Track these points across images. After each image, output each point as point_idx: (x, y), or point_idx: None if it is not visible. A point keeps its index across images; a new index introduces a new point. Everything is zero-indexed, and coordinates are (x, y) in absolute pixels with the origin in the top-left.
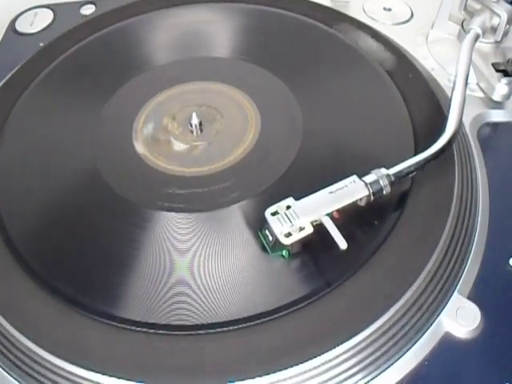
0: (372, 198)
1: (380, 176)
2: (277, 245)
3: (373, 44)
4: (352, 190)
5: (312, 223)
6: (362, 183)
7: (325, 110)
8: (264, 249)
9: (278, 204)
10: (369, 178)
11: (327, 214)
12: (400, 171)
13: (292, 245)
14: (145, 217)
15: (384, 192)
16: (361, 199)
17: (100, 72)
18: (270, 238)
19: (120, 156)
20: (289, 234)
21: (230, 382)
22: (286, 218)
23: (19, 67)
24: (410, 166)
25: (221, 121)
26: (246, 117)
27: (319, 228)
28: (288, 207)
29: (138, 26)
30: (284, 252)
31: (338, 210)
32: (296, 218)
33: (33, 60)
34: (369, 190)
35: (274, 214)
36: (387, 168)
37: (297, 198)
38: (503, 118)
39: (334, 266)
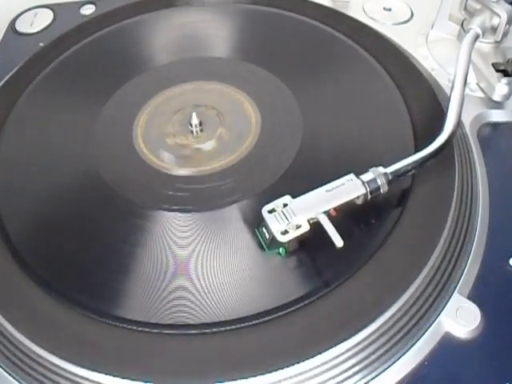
0: (369, 196)
1: (377, 174)
2: (273, 242)
3: (373, 44)
4: (349, 189)
5: (309, 221)
6: (359, 181)
7: (324, 109)
8: (261, 246)
9: (275, 202)
10: (366, 177)
11: (324, 212)
12: (397, 170)
13: (289, 242)
14: (145, 216)
15: (381, 191)
16: (358, 198)
17: (100, 72)
18: (267, 235)
19: (120, 156)
20: (285, 232)
21: (219, 382)
22: (282, 215)
23: (19, 67)
24: (407, 165)
25: (221, 121)
26: (245, 117)
27: (316, 226)
28: (285, 205)
29: (138, 26)
30: (281, 250)
31: (334, 208)
32: (293, 216)
33: (33, 60)
34: (366, 188)
35: (271, 211)
36: (385, 167)
37: (296, 198)
38: (503, 118)
39: (332, 264)
